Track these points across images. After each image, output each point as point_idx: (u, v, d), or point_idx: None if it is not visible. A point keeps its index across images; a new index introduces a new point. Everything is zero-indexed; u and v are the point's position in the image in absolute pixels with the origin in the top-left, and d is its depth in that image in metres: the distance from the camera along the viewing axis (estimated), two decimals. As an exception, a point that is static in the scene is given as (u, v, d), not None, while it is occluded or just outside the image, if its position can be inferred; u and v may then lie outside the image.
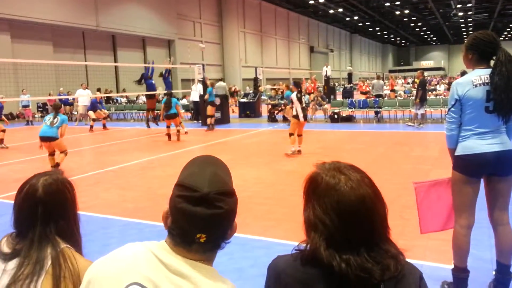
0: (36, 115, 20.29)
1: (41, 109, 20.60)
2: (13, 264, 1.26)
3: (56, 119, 7.35)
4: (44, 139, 7.28)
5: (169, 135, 11.41)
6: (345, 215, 0.92)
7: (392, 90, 17.40)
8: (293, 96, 8.24)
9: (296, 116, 8.16)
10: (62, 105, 8.62)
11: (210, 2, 33.24)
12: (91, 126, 14.57)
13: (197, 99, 16.11)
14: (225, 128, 14.49)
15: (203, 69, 17.75)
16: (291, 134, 8.30)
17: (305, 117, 8.40)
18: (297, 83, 8.81)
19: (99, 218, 4.79)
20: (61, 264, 1.25)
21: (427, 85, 21.76)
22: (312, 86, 19.70)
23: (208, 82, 15.01)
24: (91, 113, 15.16)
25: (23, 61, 16.86)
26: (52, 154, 7.48)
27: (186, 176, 0.93)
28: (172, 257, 0.90)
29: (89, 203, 5.33)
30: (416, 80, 13.96)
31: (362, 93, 18.13)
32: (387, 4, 40.71)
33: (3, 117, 12.38)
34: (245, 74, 32.95)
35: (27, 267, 1.23)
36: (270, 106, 16.15)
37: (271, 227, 4.29)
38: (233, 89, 25.32)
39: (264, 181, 6.37)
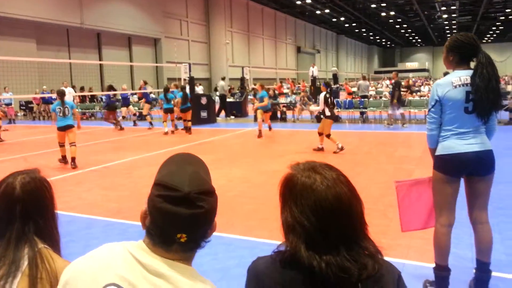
0: (18, 114, 19.90)
1: (24, 108, 20.20)
2: None
3: (65, 107, 7.69)
4: (63, 128, 7.67)
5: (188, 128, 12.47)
6: (323, 215, 0.92)
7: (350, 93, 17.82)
8: (322, 96, 8.39)
9: (329, 116, 8.31)
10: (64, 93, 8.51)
11: (197, 1, 33.10)
12: (116, 124, 14.09)
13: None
14: (211, 127, 14.44)
15: (190, 68, 17.68)
16: (319, 134, 8.50)
17: (334, 117, 8.50)
18: (327, 83, 8.97)
19: (81, 218, 4.72)
20: (38, 264, 1.23)
21: (412, 86, 22.08)
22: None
23: (172, 85, 14.81)
24: (124, 109, 15.30)
25: (5, 59, 16.51)
26: (62, 145, 7.81)
27: (164, 175, 0.91)
28: (150, 257, 0.88)
29: (71, 203, 5.25)
30: (392, 81, 14.24)
31: (348, 93, 18.28)
32: (373, 5, 41.17)
33: None
34: (232, 73, 32.89)
35: (2, 268, 1.21)
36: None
37: (256, 226, 4.29)
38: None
39: (250, 180, 6.37)
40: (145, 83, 16.77)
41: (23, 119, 19.71)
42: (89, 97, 19.96)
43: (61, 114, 7.67)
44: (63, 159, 7.88)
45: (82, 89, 18.62)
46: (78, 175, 7.10)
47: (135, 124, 15.12)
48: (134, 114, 15.74)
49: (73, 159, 7.65)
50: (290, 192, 0.97)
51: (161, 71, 28.51)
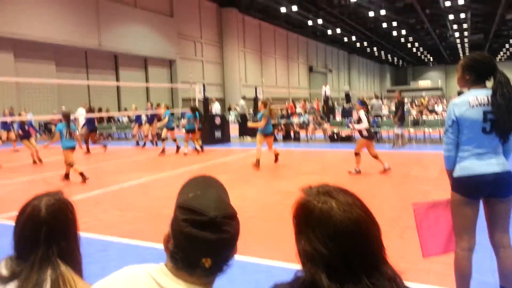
0: (38, 134, 20.29)
1: (43, 128, 20.63)
2: (11, 287, 1.25)
3: (71, 129, 8.25)
4: (71, 148, 8.21)
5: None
6: (342, 242, 0.89)
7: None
8: (361, 114, 8.11)
9: (366, 136, 8.07)
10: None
11: (210, 22, 33.77)
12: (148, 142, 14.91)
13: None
14: (226, 147, 14.52)
15: (204, 88, 17.91)
16: (356, 154, 8.15)
17: (371, 136, 8.26)
18: (363, 102, 8.79)
19: (98, 240, 4.76)
20: (60, 287, 1.25)
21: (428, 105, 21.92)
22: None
23: (163, 105, 14.35)
24: (135, 128, 15.94)
25: (25, 80, 17.01)
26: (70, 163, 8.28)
27: (189, 198, 0.92)
28: (172, 282, 0.89)
29: (88, 224, 5.31)
30: (395, 100, 14.13)
31: None
32: (384, 25, 41.40)
33: None
34: (245, 93, 33.19)
35: None
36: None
37: (271, 249, 4.27)
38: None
39: (264, 201, 6.36)
40: (151, 105, 16.84)
41: (43, 139, 20.11)
42: (106, 117, 20.31)
43: (68, 136, 8.14)
44: (82, 176, 8.22)
45: (99, 110, 18.96)
46: (95, 195, 7.18)
47: (155, 144, 15.30)
48: (146, 136, 15.86)
49: (81, 174, 8.22)
50: (306, 219, 0.94)
51: (176, 91, 28.96)
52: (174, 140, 13.02)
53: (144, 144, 15.18)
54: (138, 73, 26.93)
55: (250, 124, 11.25)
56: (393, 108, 24.95)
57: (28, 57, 20.04)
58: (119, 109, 23.99)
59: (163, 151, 12.46)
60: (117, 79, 25.03)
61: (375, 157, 8.07)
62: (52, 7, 20.73)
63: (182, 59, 29.83)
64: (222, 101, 32.83)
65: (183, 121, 13.56)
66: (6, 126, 15.35)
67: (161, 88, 28.03)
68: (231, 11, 34.15)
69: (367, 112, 8.43)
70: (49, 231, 1.32)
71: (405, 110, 13.79)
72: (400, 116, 12.34)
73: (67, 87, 20.25)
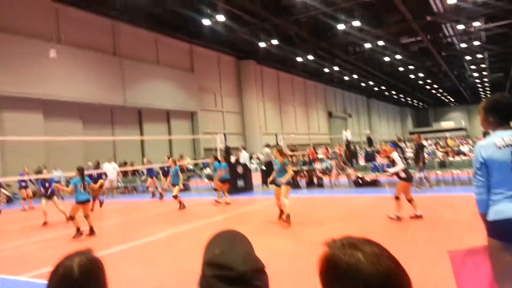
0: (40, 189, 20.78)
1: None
2: None
3: (85, 183, 8.59)
4: (82, 202, 8.48)
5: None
6: None
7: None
8: (395, 155, 7.93)
9: (404, 178, 7.79)
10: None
11: (229, 75, 34.94)
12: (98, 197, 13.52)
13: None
14: (249, 196, 14.44)
15: (225, 138, 18.22)
16: (397, 198, 7.76)
17: (410, 178, 7.99)
18: (395, 143, 8.70)
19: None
20: None
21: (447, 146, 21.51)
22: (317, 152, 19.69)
23: (170, 160, 13.50)
24: (149, 180, 15.98)
25: (54, 139, 17.72)
26: (74, 218, 8.48)
27: (216, 255, 0.91)
28: None
29: (114, 280, 5.26)
30: (415, 143, 13.98)
31: (386, 156, 18.02)
32: (401, 68, 41.85)
33: None
34: (266, 141, 33.46)
35: None
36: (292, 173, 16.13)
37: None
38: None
39: (291, 252, 6.19)
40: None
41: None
42: (131, 171, 20.70)
43: (81, 189, 8.48)
44: (78, 231, 8.37)
45: (124, 164, 19.42)
46: (121, 250, 7.17)
47: (161, 197, 15.22)
48: (157, 188, 15.95)
49: (91, 228, 8.49)
50: (332, 274, 0.89)
51: (198, 142, 29.50)
52: (175, 197, 11.99)
53: (161, 196, 15.25)
54: (161, 126, 27.72)
55: (270, 179, 9.15)
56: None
57: (57, 116, 20.98)
58: (143, 162, 24.49)
59: (183, 206, 11.98)
60: (141, 133, 25.78)
61: (410, 200, 7.77)
62: (79, 69, 21.97)
63: (203, 111, 30.67)
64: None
65: (207, 171, 13.55)
66: (25, 184, 15.23)
67: (184, 139, 28.63)
68: (249, 63, 35.38)
69: (403, 153, 8.23)
70: None
71: (426, 152, 13.62)
72: (422, 160, 12.30)
73: (94, 142, 20.94)
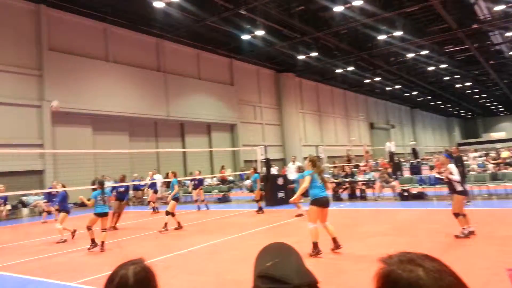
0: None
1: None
2: None
3: (105, 196, 8.90)
4: (102, 214, 8.71)
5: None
6: None
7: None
8: (452, 167, 7.38)
9: (460, 192, 7.22)
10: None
11: (269, 87, 35.17)
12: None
13: (293, 177, 15.79)
14: (290, 208, 14.34)
15: (265, 150, 18.26)
16: (457, 214, 7.10)
17: (466, 192, 7.49)
18: (450, 154, 8.19)
19: (170, 305, 4.77)
20: None
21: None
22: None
23: (170, 173, 12.56)
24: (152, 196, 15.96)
25: (102, 151, 18.54)
26: (90, 228, 8.74)
27: (269, 267, 0.90)
28: None
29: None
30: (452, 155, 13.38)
31: (439, 169, 17.32)
32: (446, 78, 40.36)
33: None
34: (306, 153, 33.22)
35: None
36: (334, 185, 15.88)
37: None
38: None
39: (336, 266, 6.06)
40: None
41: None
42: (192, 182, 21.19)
43: (101, 202, 8.74)
44: (93, 242, 8.57)
45: (167, 175, 19.89)
46: (165, 259, 7.32)
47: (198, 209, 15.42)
48: (196, 200, 16.09)
49: (102, 243, 8.50)
50: None
51: (238, 153, 29.79)
52: (172, 213, 10.88)
53: (199, 208, 15.53)
54: (202, 138, 28.28)
55: (293, 198, 7.99)
56: (467, 162, 23.48)
57: (105, 129, 21.97)
58: (185, 174, 25.00)
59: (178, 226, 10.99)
60: (183, 145, 26.41)
61: (456, 216, 7.19)
62: (126, 85, 22.97)
63: (242, 123, 30.98)
64: (283, 161, 33.07)
65: (248, 182, 13.67)
66: (50, 198, 15.41)
67: (224, 151, 29.01)
68: (288, 75, 35.46)
69: (460, 161, 7.68)
70: None
71: (475, 164, 12.96)
72: (462, 173, 11.71)
73: (139, 155, 21.69)
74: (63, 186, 10.90)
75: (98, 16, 21.38)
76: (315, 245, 6.54)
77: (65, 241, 9.90)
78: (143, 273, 1.41)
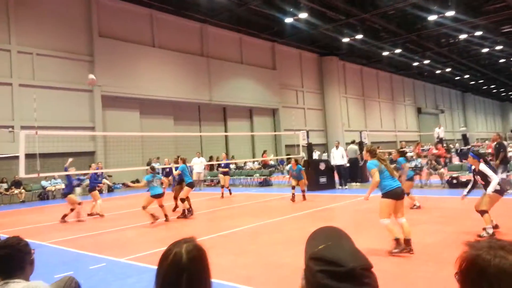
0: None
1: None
2: None
3: (158, 179, 9.87)
4: (158, 195, 9.65)
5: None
6: None
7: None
8: (483, 167, 6.47)
9: (497, 190, 6.36)
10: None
11: (311, 71, 34.63)
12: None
13: (340, 162, 15.41)
14: (331, 193, 14.21)
15: (307, 135, 18.12)
16: (483, 212, 6.37)
17: (503, 190, 6.51)
18: (477, 154, 6.81)
19: (214, 284, 4.90)
20: None
21: None
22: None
23: (179, 160, 11.45)
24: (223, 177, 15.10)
25: (149, 134, 19.18)
26: (162, 206, 9.77)
27: (323, 249, 0.89)
28: None
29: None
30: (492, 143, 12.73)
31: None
32: (502, 60, 37.87)
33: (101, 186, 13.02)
34: (348, 138, 32.61)
35: None
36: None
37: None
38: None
39: (382, 252, 5.96)
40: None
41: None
42: (216, 165, 21.57)
43: (155, 184, 9.64)
44: (154, 217, 9.32)
45: (210, 158, 20.31)
46: (209, 239, 7.52)
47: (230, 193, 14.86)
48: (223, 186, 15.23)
49: (166, 215, 9.67)
50: (478, 277, 0.82)
51: (279, 138, 29.78)
52: (183, 200, 10.45)
53: (222, 195, 14.86)
54: (244, 122, 28.47)
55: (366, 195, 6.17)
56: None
57: (151, 113, 22.67)
58: (227, 157, 25.39)
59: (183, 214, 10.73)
60: (225, 129, 26.76)
61: (482, 213, 6.43)
62: (171, 71, 23.48)
63: (284, 108, 30.82)
64: (324, 146, 32.69)
65: (289, 167, 13.59)
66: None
67: (266, 136, 29.09)
68: (331, 59, 34.69)
69: (488, 162, 6.61)
70: (189, 277, 1.37)
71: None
72: (502, 159, 11.24)
73: (183, 138, 22.23)
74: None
75: (144, 2, 21.88)
76: (398, 241, 5.71)
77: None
78: (195, 251, 1.44)
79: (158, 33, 23.23)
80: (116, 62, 20.83)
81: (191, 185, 10.77)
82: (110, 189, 19.34)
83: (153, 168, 10.07)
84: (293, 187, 12.34)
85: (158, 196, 9.69)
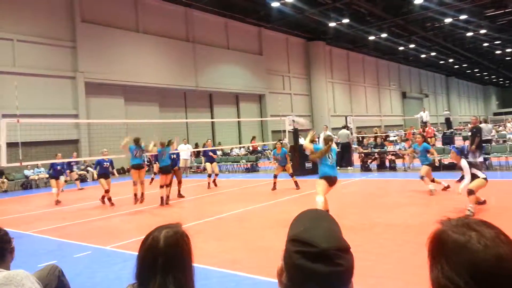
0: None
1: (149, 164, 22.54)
2: None
3: (139, 149, 10.18)
4: (137, 166, 10.10)
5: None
6: (481, 278, 0.78)
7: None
8: (464, 163, 7.01)
9: (484, 178, 6.91)
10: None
11: (298, 57, 34.51)
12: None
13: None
14: (317, 178, 14.32)
15: (293, 120, 18.14)
16: (471, 192, 6.76)
17: (486, 177, 6.97)
18: (459, 149, 7.38)
19: (199, 269, 4.94)
20: None
21: None
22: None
23: (156, 143, 11.01)
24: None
25: (134, 121, 18.95)
26: (142, 182, 10.04)
27: (301, 231, 0.90)
28: None
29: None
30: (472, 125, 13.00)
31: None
32: (485, 44, 38.27)
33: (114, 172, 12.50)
34: (334, 123, 32.81)
35: None
36: (362, 155, 15.70)
37: (373, 286, 4.04)
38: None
39: (364, 235, 6.08)
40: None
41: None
42: (202, 152, 21.49)
43: (136, 155, 10.01)
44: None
45: (196, 145, 20.23)
46: (195, 225, 7.56)
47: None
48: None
49: (142, 194, 9.99)
50: (440, 250, 0.86)
51: (266, 124, 29.78)
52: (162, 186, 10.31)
53: (209, 185, 14.02)
54: (230, 108, 28.35)
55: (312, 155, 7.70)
56: (504, 132, 22.56)
57: (136, 100, 22.38)
58: (213, 144, 25.34)
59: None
60: (212, 116, 26.62)
61: (472, 193, 6.78)
62: (156, 56, 23.13)
63: (271, 93, 30.75)
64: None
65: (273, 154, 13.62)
66: (70, 167, 15.73)
67: (252, 121, 29.05)
68: (318, 44, 34.59)
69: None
70: (165, 262, 1.40)
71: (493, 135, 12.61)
72: (478, 144, 11.51)
73: (169, 125, 22.07)
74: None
75: (126, -14, 21.36)
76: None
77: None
78: (174, 236, 1.47)
79: (142, 18, 22.79)
80: (99, 48, 20.42)
81: (163, 169, 10.32)
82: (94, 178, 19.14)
83: (136, 140, 10.26)
84: (275, 176, 12.06)
85: (137, 166, 9.98)
